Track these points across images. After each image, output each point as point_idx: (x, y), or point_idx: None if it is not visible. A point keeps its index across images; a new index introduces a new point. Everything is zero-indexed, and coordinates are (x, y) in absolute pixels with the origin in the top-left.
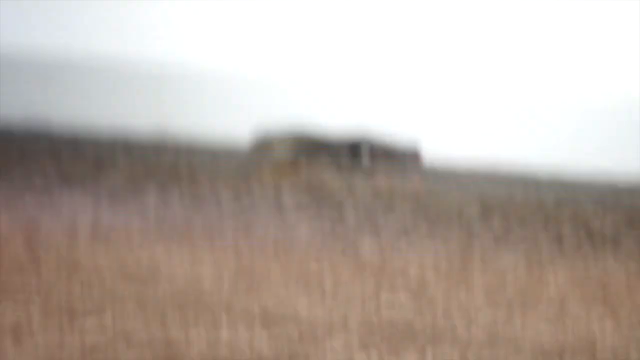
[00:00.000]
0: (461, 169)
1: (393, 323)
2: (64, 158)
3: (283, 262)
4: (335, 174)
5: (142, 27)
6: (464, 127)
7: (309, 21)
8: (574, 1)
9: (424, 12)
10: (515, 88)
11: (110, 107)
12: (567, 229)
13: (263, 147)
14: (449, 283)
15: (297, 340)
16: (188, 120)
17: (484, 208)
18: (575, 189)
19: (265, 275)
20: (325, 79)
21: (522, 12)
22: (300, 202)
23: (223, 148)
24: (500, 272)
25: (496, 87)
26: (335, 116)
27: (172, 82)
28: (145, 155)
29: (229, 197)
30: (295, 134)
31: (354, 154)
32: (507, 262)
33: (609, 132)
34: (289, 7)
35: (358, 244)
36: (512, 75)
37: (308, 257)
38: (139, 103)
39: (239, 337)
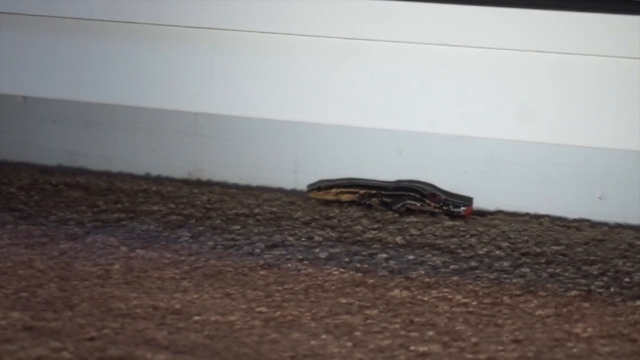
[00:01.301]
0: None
1: None
2: (99, 203)
3: (314, 307)
4: (369, 218)
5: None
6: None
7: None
8: None
9: None
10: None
11: (143, 149)
12: (596, 278)
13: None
14: (477, 327)
15: None
16: (221, 163)
17: (514, 255)
18: (605, 235)
19: (297, 320)
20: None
21: None
22: (333, 245)
23: (257, 192)
24: (529, 319)
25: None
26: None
27: (205, 126)
28: (179, 199)
29: (262, 241)
30: (347, 180)
31: (399, 200)
32: (536, 309)
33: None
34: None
35: (388, 287)
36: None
37: (339, 301)
38: (171, 146)
39: None
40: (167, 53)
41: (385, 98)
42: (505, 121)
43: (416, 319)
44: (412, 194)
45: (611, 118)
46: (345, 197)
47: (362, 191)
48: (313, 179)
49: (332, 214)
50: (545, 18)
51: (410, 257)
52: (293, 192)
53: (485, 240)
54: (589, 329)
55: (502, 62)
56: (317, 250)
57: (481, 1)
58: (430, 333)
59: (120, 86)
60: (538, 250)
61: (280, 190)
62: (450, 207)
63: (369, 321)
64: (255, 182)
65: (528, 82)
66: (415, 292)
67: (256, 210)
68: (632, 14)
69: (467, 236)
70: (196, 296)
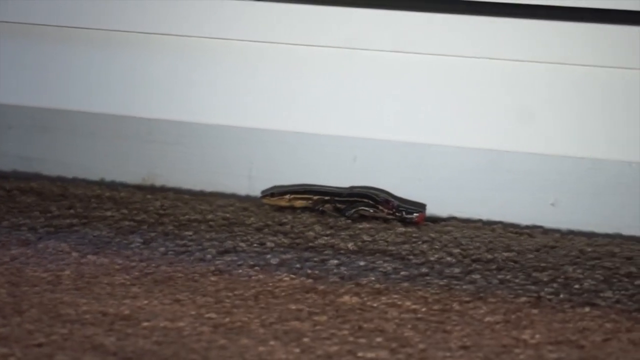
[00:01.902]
0: (446, 222)
1: None
2: (52, 209)
3: (263, 313)
4: (322, 224)
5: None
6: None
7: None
8: None
9: None
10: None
11: (98, 155)
12: (546, 284)
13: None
14: (426, 333)
15: None
16: (176, 169)
17: (465, 262)
18: (556, 241)
19: (245, 327)
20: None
21: None
22: (284, 251)
23: (211, 197)
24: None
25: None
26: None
27: (160, 132)
28: (132, 205)
29: (213, 247)
30: (299, 186)
31: (352, 206)
32: (485, 315)
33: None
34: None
35: (338, 293)
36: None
37: (288, 308)
38: (126, 151)
39: None
40: (121, 59)
41: (339, 105)
42: (458, 129)
43: (365, 325)
44: (366, 200)
45: (564, 126)
46: (298, 203)
47: (315, 197)
48: (267, 184)
49: (285, 220)
50: (495, 25)
51: (362, 263)
52: (247, 198)
53: (437, 247)
54: (537, 336)
55: (455, 70)
56: (268, 256)
57: (430, 8)
58: (379, 339)
59: (75, 92)
60: (489, 256)
61: (234, 196)
62: (403, 213)
63: (317, 327)
64: (209, 188)
65: (480, 89)
66: (365, 299)
67: (209, 216)
68: (580, 22)
69: (419, 242)
70: (146, 302)
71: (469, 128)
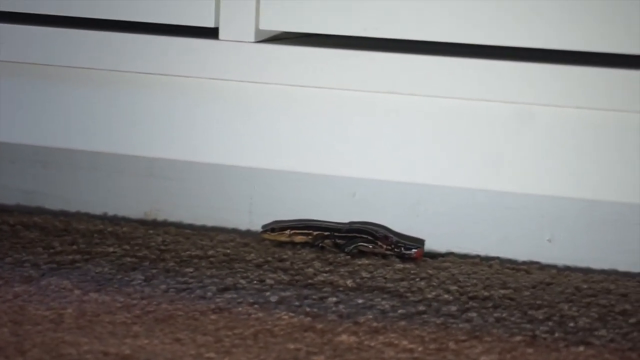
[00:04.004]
0: (444, 258)
1: None
2: (55, 244)
3: (262, 353)
4: (321, 260)
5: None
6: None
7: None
8: None
9: None
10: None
11: (100, 189)
12: (542, 322)
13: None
14: None
15: None
16: (178, 204)
17: (462, 299)
18: (553, 278)
19: None
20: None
21: None
22: (284, 288)
23: (212, 232)
24: None
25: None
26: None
27: (161, 169)
28: (134, 240)
29: (214, 284)
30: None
31: (351, 242)
32: (481, 354)
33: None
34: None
35: (336, 332)
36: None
37: (287, 347)
38: (128, 186)
39: None
40: (122, 99)
41: (337, 145)
42: (455, 169)
43: None
44: (365, 236)
45: (560, 167)
46: (298, 239)
47: (315, 233)
48: (268, 219)
49: (285, 256)
50: (494, 68)
51: (360, 301)
52: (248, 233)
53: (434, 284)
54: None
55: (452, 111)
56: (268, 293)
57: (429, 51)
58: None
59: (77, 132)
60: (486, 294)
61: (235, 231)
62: (402, 249)
63: None
64: (210, 223)
65: (477, 130)
66: (363, 338)
67: (210, 252)
68: (570, 64)
69: (417, 279)
70: (146, 341)
71: (466, 168)
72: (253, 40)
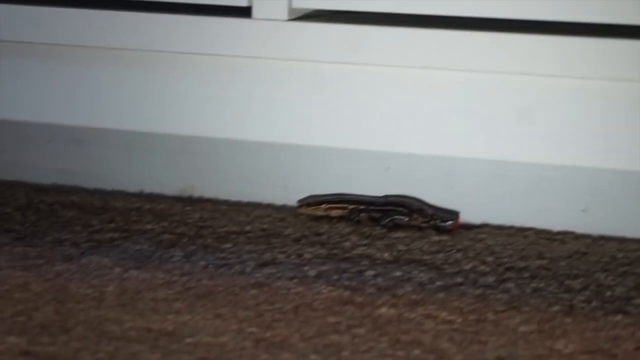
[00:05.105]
0: (479, 229)
1: None
2: (93, 222)
3: (303, 327)
4: (358, 233)
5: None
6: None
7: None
8: None
9: None
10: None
11: (135, 167)
12: (579, 292)
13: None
14: (462, 344)
15: None
16: (212, 180)
17: (499, 270)
18: (588, 247)
19: (286, 341)
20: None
21: None
22: (322, 262)
23: (248, 208)
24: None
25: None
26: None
27: (194, 146)
28: (171, 217)
29: (252, 259)
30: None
31: (387, 215)
32: (519, 325)
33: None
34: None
35: (376, 305)
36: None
37: (327, 321)
38: (162, 164)
39: None
40: (158, 78)
41: (371, 120)
42: (489, 142)
43: (402, 337)
44: (400, 208)
45: (594, 139)
46: (334, 213)
47: (350, 206)
48: (303, 194)
49: (321, 230)
50: (525, 41)
51: (398, 273)
52: (283, 208)
53: (470, 255)
54: (571, 345)
55: (485, 85)
56: (306, 268)
57: (461, 26)
58: (416, 352)
59: (111, 111)
60: (522, 264)
61: (270, 206)
62: (438, 221)
63: (356, 340)
64: (245, 198)
65: (511, 103)
66: (402, 310)
67: (247, 228)
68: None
69: (453, 251)
70: (189, 317)
71: (500, 142)
72: (286, 18)
